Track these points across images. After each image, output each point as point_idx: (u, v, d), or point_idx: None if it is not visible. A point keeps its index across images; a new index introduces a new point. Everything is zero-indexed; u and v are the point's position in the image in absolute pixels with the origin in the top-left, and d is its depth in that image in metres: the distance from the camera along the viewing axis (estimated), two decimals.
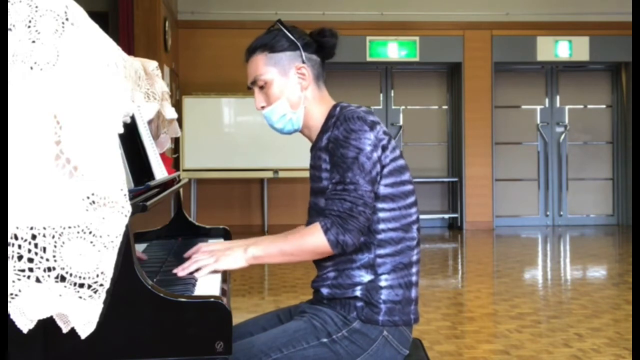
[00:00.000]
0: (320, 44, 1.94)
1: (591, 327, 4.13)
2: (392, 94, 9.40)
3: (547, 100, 9.51)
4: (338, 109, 1.90)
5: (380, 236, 1.83)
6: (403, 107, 9.41)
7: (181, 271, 1.80)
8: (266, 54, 1.90)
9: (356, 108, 1.87)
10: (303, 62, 1.91)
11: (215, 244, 1.96)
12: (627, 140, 9.24)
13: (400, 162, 1.87)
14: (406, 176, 1.88)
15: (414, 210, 1.89)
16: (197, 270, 1.80)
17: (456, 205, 9.16)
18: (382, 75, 9.39)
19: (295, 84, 1.91)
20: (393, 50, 8.92)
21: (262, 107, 1.94)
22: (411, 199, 1.88)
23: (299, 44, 1.90)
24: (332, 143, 1.82)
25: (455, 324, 4.26)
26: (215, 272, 1.80)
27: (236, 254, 1.81)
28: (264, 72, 1.91)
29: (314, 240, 1.76)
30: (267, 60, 1.90)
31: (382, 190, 1.82)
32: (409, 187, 1.88)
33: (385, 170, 1.82)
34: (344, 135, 1.79)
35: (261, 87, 1.93)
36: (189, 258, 1.90)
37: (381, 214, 1.82)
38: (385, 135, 1.84)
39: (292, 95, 1.92)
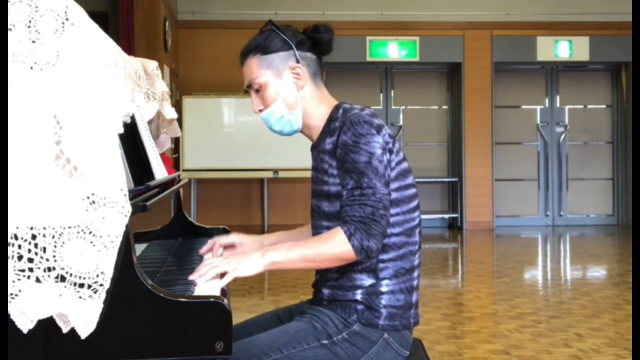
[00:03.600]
0: (314, 41, 1.89)
1: (591, 327, 4.13)
2: (392, 94, 9.40)
3: (547, 100, 9.51)
4: (341, 111, 1.87)
5: (384, 241, 1.80)
6: (403, 107, 9.41)
7: (197, 278, 1.72)
8: (259, 57, 1.86)
9: (360, 111, 1.83)
10: (297, 61, 1.86)
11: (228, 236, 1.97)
12: (627, 140, 9.24)
13: (404, 165, 1.84)
14: (410, 179, 1.85)
15: (416, 214, 1.87)
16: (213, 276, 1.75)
17: (456, 205, 9.16)
18: (382, 75, 9.38)
19: (291, 84, 1.87)
20: (393, 50, 8.92)
21: (260, 110, 1.91)
22: (414, 203, 1.86)
23: (291, 43, 1.86)
24: (341, 149, 1.77)
25: (455, 324, 4.26)
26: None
27: (254, 260, 1.76)
28: (258, 75, 1.87)
29: (337, 246, 1.71)
30: (260, 63, 1.86)
31: None
32: (413, 190, 1.86)
33: (392, 175, 1.80)
34: (353, 140, 1.75)
35: (257, 91, 1.89)
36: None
37: None
38: (390, 139, 1.81)
39: (288, 96, 1.88)
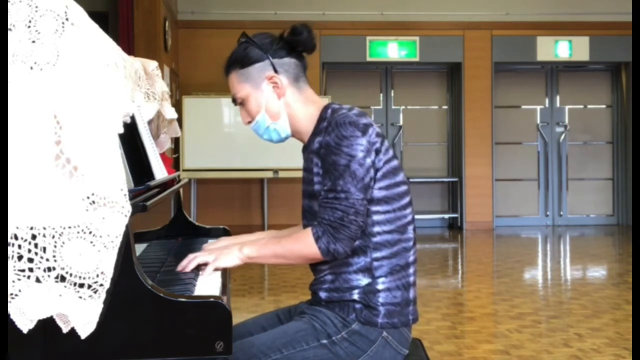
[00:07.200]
0: (292, 44, 1.89)
1: (591, 327, 4.13)
2: (392, 94, 9.40)
3: (547, 100, 9.51)
4: (329, 111, 1.88)
5: (376, 239, 1.81)
6: (403, 107, 9.41)
7: (180, 269, 1.85)
8: (237, 71, 1.89)
9: (348, 111, 1.84)
10: (275, 70, 1.87)
11: (216, 242, 2.00)
12: (627, 140, 9.24)
13: (394, 163, 1.84)
14: (400, 177, 1.86)
15: (408, 211, 1.88)
16: (198, 268, 1.84)
17: (456, 205, 9.15)
18: (382, 75, 9.38)
19: (271, 94, 1.89)
20: (393, 50, 8.91)
21: (249, 122, 1.95)
22: (406, 200, 1.86)
23: (266, 54, 1.87)
24: (324, 149, 1.79)
25: (455, 324, 4.26)
26: (216, 269, 1.84)
27: (232, 253, 1.85)
28: (238, 89, 1.90)
29: (305, 247, 1.78)
30: (239, 77, 1.89)
31: (377, 193, 1.80)
32: (404, 188, 1.86)
33: (379, 174, 1.81)
34: (335, 141, 1.77)
35: (241, 104, 1.92)
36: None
37: (376, 217, 1.81)
38: (378, 137, 1.81)
39: (270, 106, 1.90)
